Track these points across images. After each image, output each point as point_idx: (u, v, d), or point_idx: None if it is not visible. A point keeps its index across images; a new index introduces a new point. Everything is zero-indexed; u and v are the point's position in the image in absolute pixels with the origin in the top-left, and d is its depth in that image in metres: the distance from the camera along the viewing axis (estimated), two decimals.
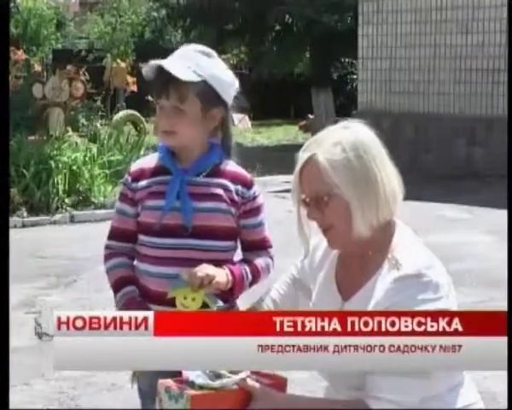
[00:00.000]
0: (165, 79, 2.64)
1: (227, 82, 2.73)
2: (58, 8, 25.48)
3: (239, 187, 2.74)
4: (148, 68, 2.68)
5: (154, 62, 2.66)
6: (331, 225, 2.13)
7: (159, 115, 2.70)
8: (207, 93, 2.68)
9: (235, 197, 2.72)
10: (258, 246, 2.77)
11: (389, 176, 2.14)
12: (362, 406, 2.01)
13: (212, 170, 2.74)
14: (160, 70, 2.65)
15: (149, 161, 2.82)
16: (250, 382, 2.03)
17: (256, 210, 2.77)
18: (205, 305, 2.52)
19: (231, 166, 2.78)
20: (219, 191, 2.71)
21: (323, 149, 2.12)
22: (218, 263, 2.63)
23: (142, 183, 2.75)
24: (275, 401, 2.02)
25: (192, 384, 2.00)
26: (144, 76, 2.72)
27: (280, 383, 2.10)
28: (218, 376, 2.01)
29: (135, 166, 2.84)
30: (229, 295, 2.65)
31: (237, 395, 2.01)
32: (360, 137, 2.14)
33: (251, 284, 2.70)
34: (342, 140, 2.12)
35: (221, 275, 2.61)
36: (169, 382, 2.03)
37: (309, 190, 2.14)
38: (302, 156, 2.16)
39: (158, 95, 2.68)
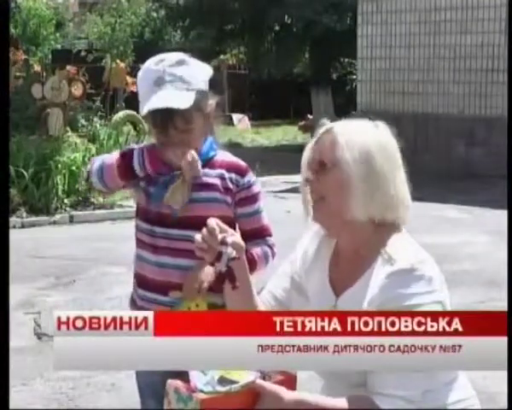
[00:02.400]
0: (167, 113, 2.63)
1: (207, 76, 2.75)
2: (57, 8, 25.49)
3: (233, 175, 2.76)
4: (146, 112, 2.65)
5: (152, 107, 2.63)
6: (323, 196, 2.12)
7: (168, 140, 2.67)
8: (201, 99, 2.70)
9: (230, 185, 2.74)
10: (255, 235, 2.76)
11: (402, 183, 2.15)
12: (368, 402, 2.01)
13: (206, 162, 2.76)
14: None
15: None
16: (259, 382, 2.02)
17: (252, 198, 2.78)
18: (210, 304, 2.54)
19: (225, 156, 2.81)
20: (214, 181, 2.73)
21: (345, 126, 2.14)
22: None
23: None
24: (283, 400, 2.01)
25: (201, 392, 2.00)
26: (142, 115, 2.71)
27: (289, 379, 2.10)
28: (226, 382, 2.00)
29: None
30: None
31: (246, 396, 2.00)
32: (386, 139, 2.16)
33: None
34: (368, 131, 2.14)
35: (204, 270, 2.61)
36: (178, 383, 2.02)
37: (315, 157, 2.15)
38: (324, 125, 2.17)
39: (164, 127, 2.65)
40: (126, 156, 2.72)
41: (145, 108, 2.64)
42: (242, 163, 2.81)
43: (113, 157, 2.76)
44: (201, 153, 2.75)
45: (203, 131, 2.73)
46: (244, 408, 2.01)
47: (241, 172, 2.78)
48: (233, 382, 2.00)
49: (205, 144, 2.77)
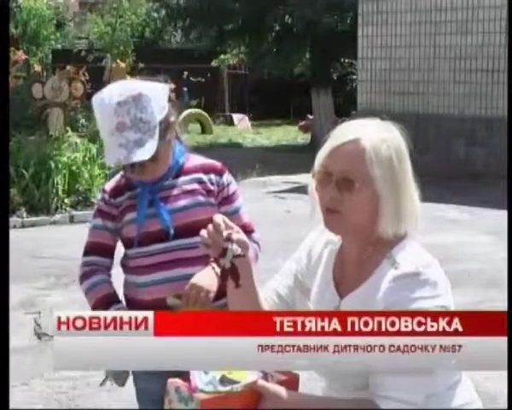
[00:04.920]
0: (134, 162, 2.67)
1: (165, 95, 2.74)
2: (58, 8, 25.47)
3: (212, 176, 2.77)
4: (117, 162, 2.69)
5: (117, 163, 2.68)
6: (345, 209, 2.08)
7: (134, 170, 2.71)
8: (164, 127, 2.69)
9: (211, 187, 2.75)
10: None
11: (414, 189, 2.14)
12: (371, 405, 2.00)
13: (178, 170, 2.77)
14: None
15: (120, 178, 2.85)
16: (260, 382, 2.01)
17: (232, 196, 2.79)
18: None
19: (197, 159, 2.81)
20: (192, 186, 2.74)
21: (370, 138, 2.08)
22: (204, 259, 2.63)
23: (120, 199, 2.79)
24: (285, 401, 2.00)
25: (201, 392, 1.99)
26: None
27: (292, 380, 2.09)
28: (228, 382, 1.99)
29: (109, 184, 2.86)
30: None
31: (247, 397, 1.99)
32: (402, 145, 2.14)
33: None
34: (388, 139, 2.10)
35: (210, 280, 2.61)
36: (179, 382, 2.02)
37: (341, 167, 2.07)
38: (343, 135, 2.09)
39: (131, 169, 2.70)
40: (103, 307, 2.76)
41: (109, 160, 2.69)
42: (217, 163, 2.82)
43: (92, 298, 2.80)
44: (171, 165, 2.76)
45: (170, 147, 2.74)
46: (245, 409, 2.01)
47: (219, 172, 2.79)
48: (234, 382, 1.99)
49: (173, 153, 2.78)
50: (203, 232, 2.10)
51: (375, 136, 2.09)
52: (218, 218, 2.11)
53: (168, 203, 2.72)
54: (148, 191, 2.73)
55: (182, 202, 2.72)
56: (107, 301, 2.76)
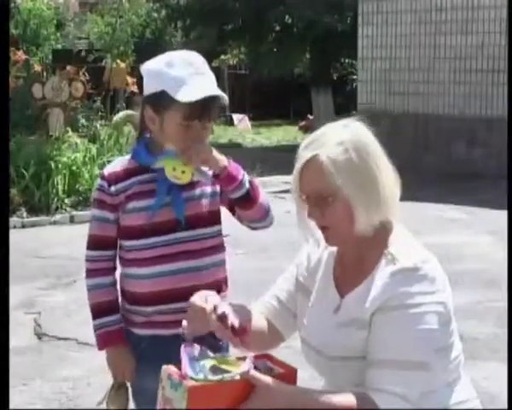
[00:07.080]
0: (210, 103, 2.59)
1: None
2: (58, 8, 25.46)
3: None
4: (192, 96, 2.56)
5: (206, 94, 2.56)
6: (331, 224, 2.12)
7: (187, 134, 2.59)
8: None
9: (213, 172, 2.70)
10: None
11: (388, 177, 2.13)
12: (364, 399, 2.00)
13: None
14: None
15: (122, 163, 2.75)
16: (252, 372, 2.00)
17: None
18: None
19: None
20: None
21: (326, 148, 2.09)
22: (207, 251, 2.64)
23: (121, 185, 2.69)
24: (276, 392, 1.99)
25: (191, 379, 1.98)
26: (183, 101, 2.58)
27: (290, 373, 2.08)
28: (219, 371, 1.99)
29: (109, 170, 2.74)
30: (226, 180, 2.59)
31: (238, 386, 1.97)
32: (362, 137, 2.13)
33: (248, 193, 2.63)
34: (345, 140, 2.10)
35: (214, 157, 2.58)
36: (172, 369, 2.01)
37: (310, 188, 2.11)
38: (303, 155, 2.12)
39: (199, 117, 2.59)
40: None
41: (197, 94, 2.55)
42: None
43: (89, 300, 2.77)
44: None
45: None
46: (235, 399, 1.97)
47: None
48: (226, 371, 1.98)
49: None
50: (184, 323, 2.12)
51: (330, 144, 2.09)
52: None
53: (184, 191, 2.67)
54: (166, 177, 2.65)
55: (193, 192, 2.68)
56: (99, 309, 2.72)
